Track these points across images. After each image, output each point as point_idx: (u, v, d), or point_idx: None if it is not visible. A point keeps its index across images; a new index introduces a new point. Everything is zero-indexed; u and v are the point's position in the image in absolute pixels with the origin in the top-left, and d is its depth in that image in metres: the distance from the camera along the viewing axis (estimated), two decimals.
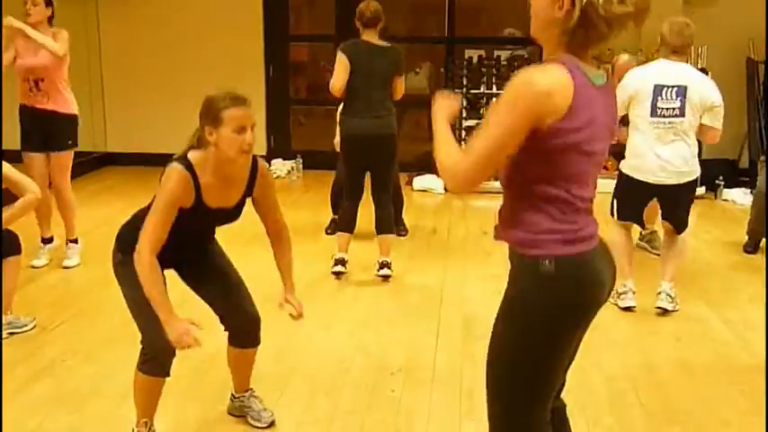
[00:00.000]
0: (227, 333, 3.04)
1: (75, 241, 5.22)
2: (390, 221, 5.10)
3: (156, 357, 2.79)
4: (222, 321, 3.00)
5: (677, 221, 4.47)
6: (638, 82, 4.33)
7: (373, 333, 4.12)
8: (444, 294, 4.71)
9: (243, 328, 3.01)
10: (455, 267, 5.22)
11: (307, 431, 3.12)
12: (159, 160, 2.96)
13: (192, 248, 2.94)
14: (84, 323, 4.19)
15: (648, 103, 4.26)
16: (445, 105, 2.10)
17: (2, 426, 2.94)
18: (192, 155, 2.68)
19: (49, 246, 5.26)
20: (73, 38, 5.02)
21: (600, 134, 1.94)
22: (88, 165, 7.66)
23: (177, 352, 2.75)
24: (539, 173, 1.91)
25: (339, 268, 4.95)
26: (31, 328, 4.04)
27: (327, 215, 6.06)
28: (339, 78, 4.82)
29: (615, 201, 4.52)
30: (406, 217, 6.13)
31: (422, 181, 7.72)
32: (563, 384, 2.24)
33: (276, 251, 3.00)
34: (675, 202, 4.45)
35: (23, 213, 3.89)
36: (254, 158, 2.81)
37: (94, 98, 8.43)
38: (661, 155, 4.26)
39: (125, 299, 2.78)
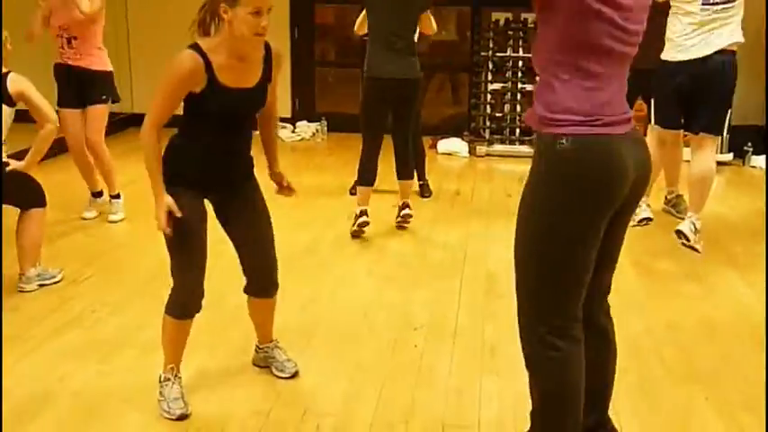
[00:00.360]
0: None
1: (117, 196, 5.25)
2: (410, 164, 5.07)
3: (183, 300, 2.84)
4: (242, 267, 3.03)
5: (708, 121, 4.37)
6: None
7: (397, 290, 4.15)
8: (468, 253, 4.73)
9: (260, 278, 3.04)
10: (478, 228, 5.23)
11: (329, 382, 3.17)
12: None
13: (231, 156, 2.86)
14: (113, 277, 4.25)
15: None
16: None
17: (2, 406, 2.98)
18: (200, 41, 2.67)
19: (99, 199, 5.31)
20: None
21: (636, 16, 1.89)
22: (114, 126, 7.69)
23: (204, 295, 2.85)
24: (569, 37, 1.83)
25: (364, 219, 4.89)
26: (59, 280, 4.10)
27: (351, 177, 6.07)
28: (359, 21, 5.07)
29: (652, 100, 4.47)
30: (430, 179, 6.13)
31: (446, 144, 7.69)
32: (604, 295, 2.15)
33: (264, 128, 3.07)
34: (710, 87, 4.35)
35: (45, 145, 3.96)
36: (267, 43, 2.80)
37: (121, 58, 8.45)
38: (706, 37, 4.23)
39: (165, 237, 2.77)
